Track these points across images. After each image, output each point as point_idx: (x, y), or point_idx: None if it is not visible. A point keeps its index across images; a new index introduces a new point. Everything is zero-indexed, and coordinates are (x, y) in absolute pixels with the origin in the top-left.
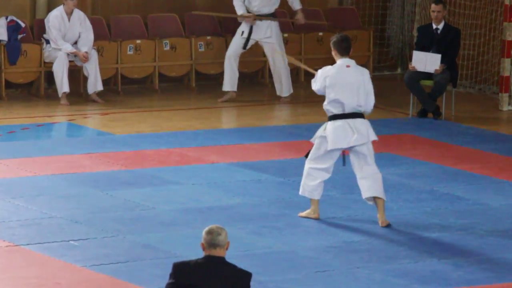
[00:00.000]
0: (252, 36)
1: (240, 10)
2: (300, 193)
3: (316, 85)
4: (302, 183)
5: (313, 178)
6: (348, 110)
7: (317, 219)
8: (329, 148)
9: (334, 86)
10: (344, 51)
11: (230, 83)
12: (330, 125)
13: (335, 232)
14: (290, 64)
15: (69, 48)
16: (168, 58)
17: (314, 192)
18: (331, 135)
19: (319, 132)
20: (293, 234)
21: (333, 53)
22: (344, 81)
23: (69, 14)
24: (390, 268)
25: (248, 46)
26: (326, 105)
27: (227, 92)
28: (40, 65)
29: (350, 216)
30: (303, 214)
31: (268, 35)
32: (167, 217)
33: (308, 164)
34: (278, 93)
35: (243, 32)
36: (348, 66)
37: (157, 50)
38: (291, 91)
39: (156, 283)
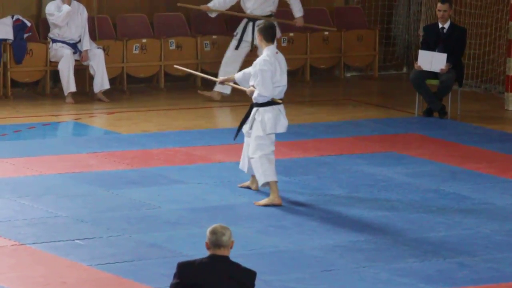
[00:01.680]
0: (244, 38)
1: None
2: (263, 182)
3: (267, 88)
4: (261, 171)
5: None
6: (282, 95)
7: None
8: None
9: (275, 73)
10: (271, 38)
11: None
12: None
13: (341, 231)
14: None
15: (66, 8)
16: (174, 57)
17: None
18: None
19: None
20: (299, 233)
21: (259, 39)
22: (280, 66)
23: (68, 3)
24: (396, 268)
25: (242, 47)
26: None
27: (212, 91)
28: (46, 64)
29: (355, 215)
30: (263, 202)
31: None
32: (173, 216)
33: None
34: None
35: (237, 33)
36: (276, 53)
37: (163, 49)
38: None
39: (162, 282)
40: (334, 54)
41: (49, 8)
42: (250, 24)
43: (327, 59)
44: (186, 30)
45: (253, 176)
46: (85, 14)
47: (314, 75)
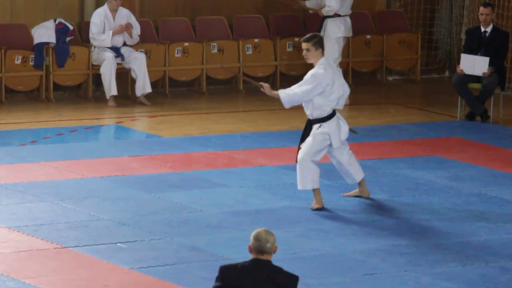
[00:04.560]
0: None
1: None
2: (304, 187)
3: (313, 90)
4: (309, 177)
5: (315, 169)
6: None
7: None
8: (336, 146)
9: (334, 85)
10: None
11: None
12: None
13: (383, 235)
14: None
15: (108, 35)
16: (216, 61)
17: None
18: (335, 133)
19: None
20: (341, 237)
21: (318, 53)
22: (337, 79)
23: (114, 11)
24: (437, 272)
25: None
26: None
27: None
28: (88, 68)
29: (397, 219)
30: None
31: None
32: (214, 220)
33: (309, 158)
34: None
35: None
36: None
37: (205, 52)
38: None
39: (203, 285)
40: (376, 58)
41: (94, 18)
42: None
43: (369, 63)
44: (228, 34)
45: (360, 183)
46: (131, 17)
47: (356, 79)
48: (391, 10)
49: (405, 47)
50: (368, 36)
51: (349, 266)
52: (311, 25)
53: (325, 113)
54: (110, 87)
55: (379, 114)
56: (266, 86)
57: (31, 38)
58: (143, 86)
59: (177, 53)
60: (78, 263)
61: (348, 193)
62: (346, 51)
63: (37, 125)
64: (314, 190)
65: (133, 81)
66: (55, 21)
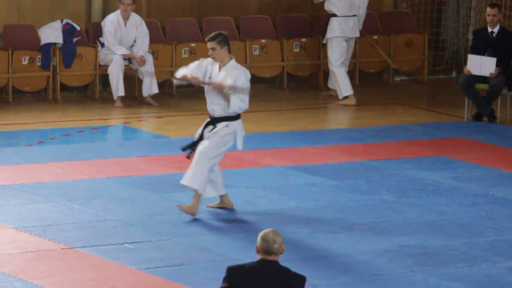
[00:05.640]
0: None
1: None
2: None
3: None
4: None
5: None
6: None
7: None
8: (240, 147)
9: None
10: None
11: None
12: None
13: (390, 235)
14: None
15: (124, 51)
16: None
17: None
18: (241, 134)
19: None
20: (348, 238)
21: (224, 51)
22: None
23: (126, 18)
24: (445, 272)
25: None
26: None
27: (347, 97)
28: (95, 68)
29: (405, 219)
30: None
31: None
32: (222, 220)
33: (208, 154)
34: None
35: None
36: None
37: None
38: (343, 94)
39: (210, 286)
40: (383, 59)
41: (109, 26)
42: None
43: (376, 63)
44: (235, 34)
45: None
46: (143, 26)
47: (363, 79)
48: (398, 10)
49: (412, 47)
50: (375, 37)
51: (356, 267)
52: (318, 25)
53: (236, 113)
54: (118, 88)
55: (386, 115)
56: (218, 85)
57: (38, 39)
58: (150, 86)
59: (184, 54)
60: (85, 263)
61: (212, 204)
62: (353, 52)
63: (44, 126)
64: (196, 192)
65: (140, 81)
66: (62, 21)
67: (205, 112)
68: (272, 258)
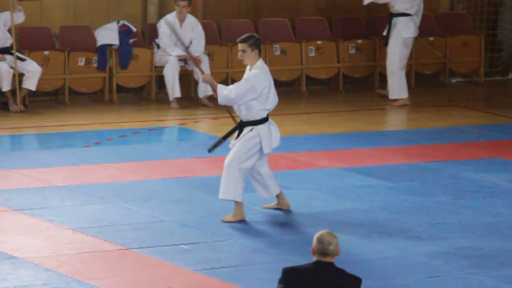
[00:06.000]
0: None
1: None
2: (225, 197)
3: (247, 94)
4: (232, 186)
5: (240, 181)
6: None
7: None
8: (266, 151)
9: (270, 88)
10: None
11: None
12: (264, 127)
13: (446, 237)
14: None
15: (179, 52)
16: (279, 63)
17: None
18: (267, 137)
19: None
20: (404, 239)
21: (254, 54)
22: (271, 81)
23: (182, 20)
24: (502, 274)
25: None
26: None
27: (399, 99)
28: (151, 70)
29: (461, 221)
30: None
31: (384, 34)
32: (277, 222)
33: (236, 163)
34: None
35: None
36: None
37: (268, 54)
38: (394, 96)
39: (266, 287)
40: (439, 60)
41: (164, 28)
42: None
43: (432, 65)
44: (290, 36)
45: (279, 196)
46: (198, 27)
47: (418, 81)
48: (454, 12)
49: (468, 49)
50: (431, 38)
51: (412, 269)
52: (374, 26)
53: (258, 117)
54: (174, 89)
55: (442, 116)
56: (206, 75)
57: (94, 40)
58: (205, 88)
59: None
60: (141, 264)
61: (268, 205)
62: (410, 53)
63: (101, 127)
64: (236, 202)
65: (196, 82)
66: (118, 23)
67: None
68: (327, 259)
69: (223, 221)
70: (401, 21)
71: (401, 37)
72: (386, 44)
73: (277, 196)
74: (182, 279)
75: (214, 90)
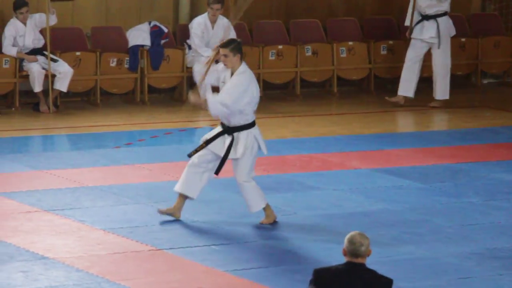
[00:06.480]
0: (419, 36)
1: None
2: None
3: (242, 99)
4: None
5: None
6: None
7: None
8: (265, 152)
9: (256, 89)
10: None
11: (403, 87)
12: (256, 129)
13: (477, 238)
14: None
15: (210, 53)
16: (310, 64)
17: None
18: (261, 140)
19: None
20: (435, 241)
21: (236, 58)
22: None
23: (213, 21)
24: None
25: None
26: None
27: (397, 95)
28: (182, 70)
29: (492, 222)
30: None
31: (433, 35)
32: (308, 223)
33: (248, 177)
34: (433, 94)
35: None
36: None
37: (299, 55)
38: (446, 96)
39: None
40: (470, 61)
41: (196, 29)
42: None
43: (464, 66)
44: (322, 36)
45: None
46: (231, 30)
47: (450, 82)
48: (485, 12)
49: (500, 50)
50: (463, 39)
51: (444, 270)
52: (406, 28)
53: (250, 120)
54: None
55: (474, 117)
56: (193, 97)
57: (126, 41)
58: None
59: (271, 56)
60: (172, 265)
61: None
62: None
63: (132, 128)
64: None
65: None
66: (150, 23)
67: (292, 115)
68: (359, 260)
69: (263, 223)
70: (446, 21)
71: (449, 36)
72: (438, 46)
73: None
74: (213, 280)
75: (203, 103)
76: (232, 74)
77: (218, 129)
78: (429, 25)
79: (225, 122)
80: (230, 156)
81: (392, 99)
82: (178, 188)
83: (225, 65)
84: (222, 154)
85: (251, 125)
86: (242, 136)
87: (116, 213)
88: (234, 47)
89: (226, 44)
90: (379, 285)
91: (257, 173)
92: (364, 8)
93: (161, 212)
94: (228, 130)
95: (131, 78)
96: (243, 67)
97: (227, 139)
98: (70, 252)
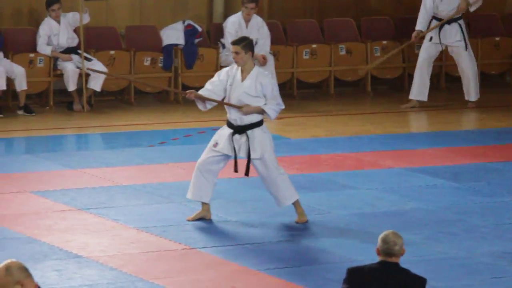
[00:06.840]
0: (442, 41)
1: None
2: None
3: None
4: (290, 188)
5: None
6: None
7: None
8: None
9: None
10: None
11: (416, 91)
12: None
13: (511, 238)
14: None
15: None
16: (344, 63)
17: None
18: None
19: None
20: (469, 240)
21: (247, 56)
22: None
23: (247, 20)
24: None
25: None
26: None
27: (410, 100)
28: (216, 69)
29: None
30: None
31: (458, 39)
32: (342, 222)
33: (279, 168)
34: (465, 97)
35: (431, 37)
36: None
37: (333, 54)
38: (478, 96)
39: (330, 287)
40: (505, 60)
41: (230, 28)
42: (446, 26)
43: (498, 65)
44: (356, 35)
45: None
46: (264, 27)
47: (484, 81)
48: None
49: None
50: (497, 38)
51: (477, 269)
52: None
53: (261, 116)
54: None
55: (507, 117)
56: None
57: (160, 40)
58: None
59: (305, 55)
60: (205, 264)
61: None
62: (476, 53)
63: (166, 126)
64: (295, 202)
65: None
66: (183, 22)
67: (326, 114)
68: (392, 259)
69: (298, 223)
70: (463, 23)
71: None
72: (466, 48)
73: (203, 203)
74: (246, 279)
75: (259, 111)
76: (242, 72)
77: (227, 130)
78: (453, 29)
79: (237, 122)
80: (253, 156)
81: (408, 105)
82: (189, 195)
83: (236, 62)
84: (230, 153)
85: (261, 122)
86: (256, 134)
87: (150, 212)
88: (246, 45)
89: (238, 41)
90: (413, 285)
91: (291, 172)
92: (398, 6)
93: (191, 220)
94: (239, 129)
95: (165, 77)
96: (257, 67)
97: (241, 138)
98: (103, 251)
